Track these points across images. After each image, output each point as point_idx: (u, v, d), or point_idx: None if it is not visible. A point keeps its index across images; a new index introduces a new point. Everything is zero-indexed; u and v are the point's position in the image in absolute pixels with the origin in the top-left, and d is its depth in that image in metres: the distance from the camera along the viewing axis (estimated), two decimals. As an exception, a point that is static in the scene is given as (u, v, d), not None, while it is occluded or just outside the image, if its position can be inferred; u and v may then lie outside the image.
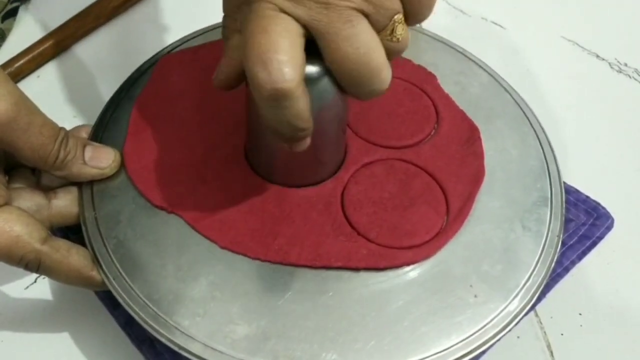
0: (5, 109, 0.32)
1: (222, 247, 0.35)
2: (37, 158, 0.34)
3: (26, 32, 0.52)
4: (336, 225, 0.35)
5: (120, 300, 0.34)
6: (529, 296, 0.34)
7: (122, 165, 0.37)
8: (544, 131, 0.41)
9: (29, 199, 0.35)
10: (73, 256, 0.34)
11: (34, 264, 0.33)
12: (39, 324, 0.39)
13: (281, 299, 0.33)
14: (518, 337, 0.38)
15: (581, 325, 0.39)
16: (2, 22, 0.52)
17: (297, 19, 0.28)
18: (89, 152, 0.36)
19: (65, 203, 0.36)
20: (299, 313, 0.33)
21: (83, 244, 0.35)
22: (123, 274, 0.34)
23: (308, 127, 0.29)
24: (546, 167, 0.39)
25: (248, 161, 0.38)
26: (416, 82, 0.42)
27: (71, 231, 0.39)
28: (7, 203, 0.33)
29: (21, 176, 0.36)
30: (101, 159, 0.37)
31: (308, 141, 0.31)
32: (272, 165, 0.37)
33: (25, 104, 0.33)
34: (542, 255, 0.36)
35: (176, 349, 0.32)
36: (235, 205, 0.36)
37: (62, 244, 0.34)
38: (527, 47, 0.53)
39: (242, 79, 0.32)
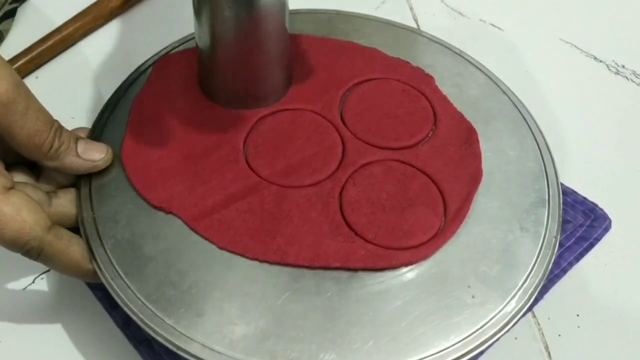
0: (6, 89, 0.31)
1: (221, 247, 0.35)
2: (32, 145, 0.33)
3: (24, 33, 0.52)
4: (334, 225, 0.36)
5: (118, 300, 0.33)
6: (526, 297, 0.34)
7: (121, 166, 0.37)
8: (541, 133, 0.41)
9: (32, 193, 0.34)
10: (74, 247, 0.34)
11: (35, 252, 0.33)
12: (36, 325, 0.39)
13: (279, 299, 0.33)
14: (516, 338, 0.38)
15: (579, 327, 0.39)
16: (0, 22, 0.52)
17: None
18: (81, 145, 0.36)
19: (65, 203, 0.36)
20: (297, 313, 0.33)
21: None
22: (121, 274, 0.34)
23: None
24: (544, 169, 0.39)
25: (202, 88, 0.40)
26: (414, 84, 0.42)
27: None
28: (13, 187, 0.33)
29: (20, 173, 0.36)
30: (94, 153, 0.36)
31: None
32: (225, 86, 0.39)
33: (23, 88, 0.33)
34: (540, 256, 0.36)
35: (174, 349, 0.32)
36: (233, 205, 0.36)
37: (65, 233, 0.34)
38: (525, 49, 0.53)
39: None
